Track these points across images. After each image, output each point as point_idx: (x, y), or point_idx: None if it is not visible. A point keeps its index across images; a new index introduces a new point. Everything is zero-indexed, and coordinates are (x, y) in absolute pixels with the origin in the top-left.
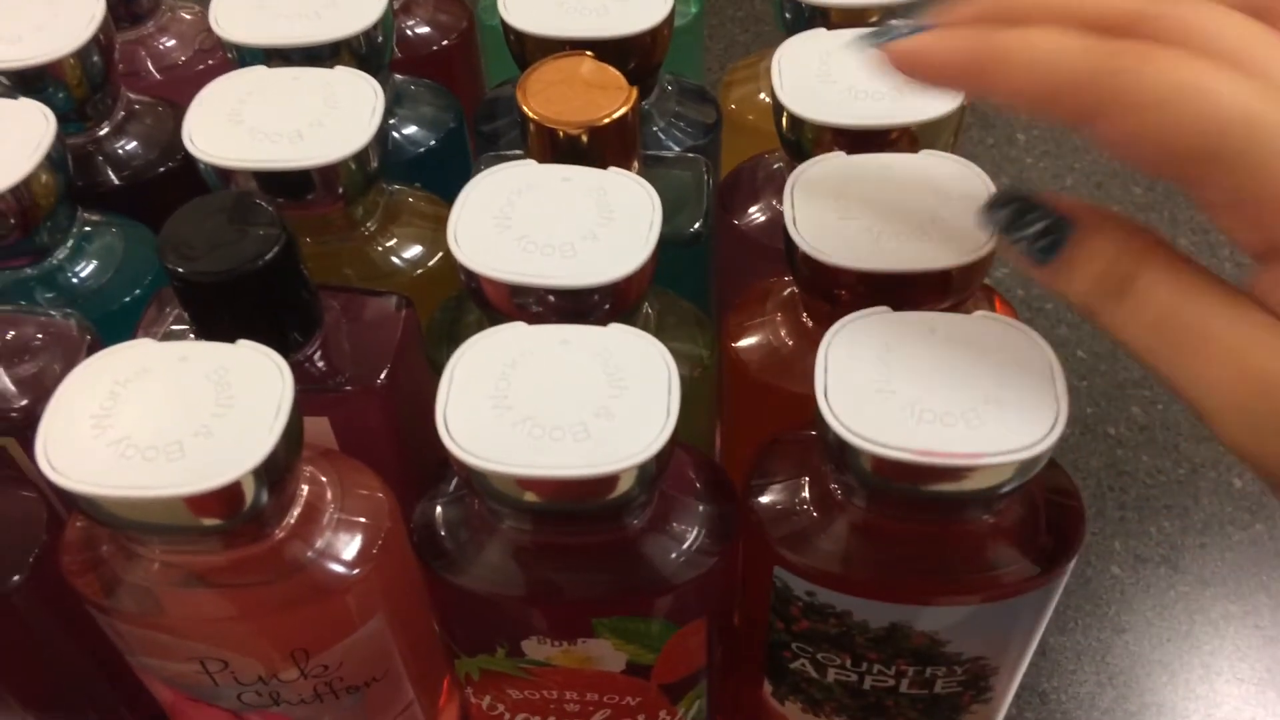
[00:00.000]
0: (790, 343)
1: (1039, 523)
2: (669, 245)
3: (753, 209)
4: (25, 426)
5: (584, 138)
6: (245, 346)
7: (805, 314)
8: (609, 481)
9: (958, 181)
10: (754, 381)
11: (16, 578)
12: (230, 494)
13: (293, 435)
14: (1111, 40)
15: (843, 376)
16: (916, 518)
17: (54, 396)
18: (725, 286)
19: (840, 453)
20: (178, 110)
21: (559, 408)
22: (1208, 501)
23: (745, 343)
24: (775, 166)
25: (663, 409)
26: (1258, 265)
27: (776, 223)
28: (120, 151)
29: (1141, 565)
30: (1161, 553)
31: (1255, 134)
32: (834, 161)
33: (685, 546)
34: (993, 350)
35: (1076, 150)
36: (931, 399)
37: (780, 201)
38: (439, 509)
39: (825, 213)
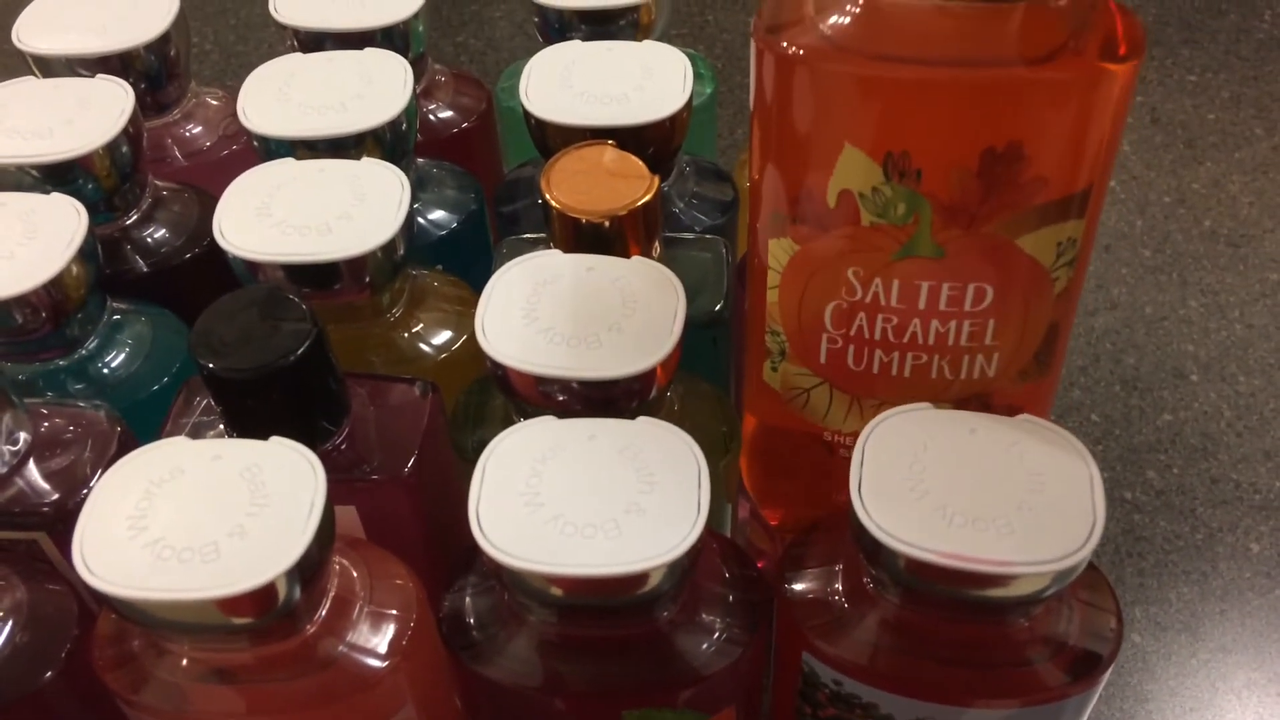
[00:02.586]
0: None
1: (1075, 629)
2: (690, 327)
3: None
4: (57, 520)
5: (607, 225)
6: (277, 444)
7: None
8: (641, 578)
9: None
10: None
11: (49, 674)
12: (264, 594)
13: (325, 532)
14: None
15: (878, 472)
16: (948, 617)
17: (90, 497)
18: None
19: (872, 549)
20: (203, 196)
21: (590, 504)
22: (1225, 567)
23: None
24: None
25: (693, 504)
26: None
27: None
28: (148, 239)
29: (1162, 633)
30: (1182, 620)
31: None
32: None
33: (715, 637)
34: (1031, 455)
35: None
36: (965, 502)
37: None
38: (467, 599)
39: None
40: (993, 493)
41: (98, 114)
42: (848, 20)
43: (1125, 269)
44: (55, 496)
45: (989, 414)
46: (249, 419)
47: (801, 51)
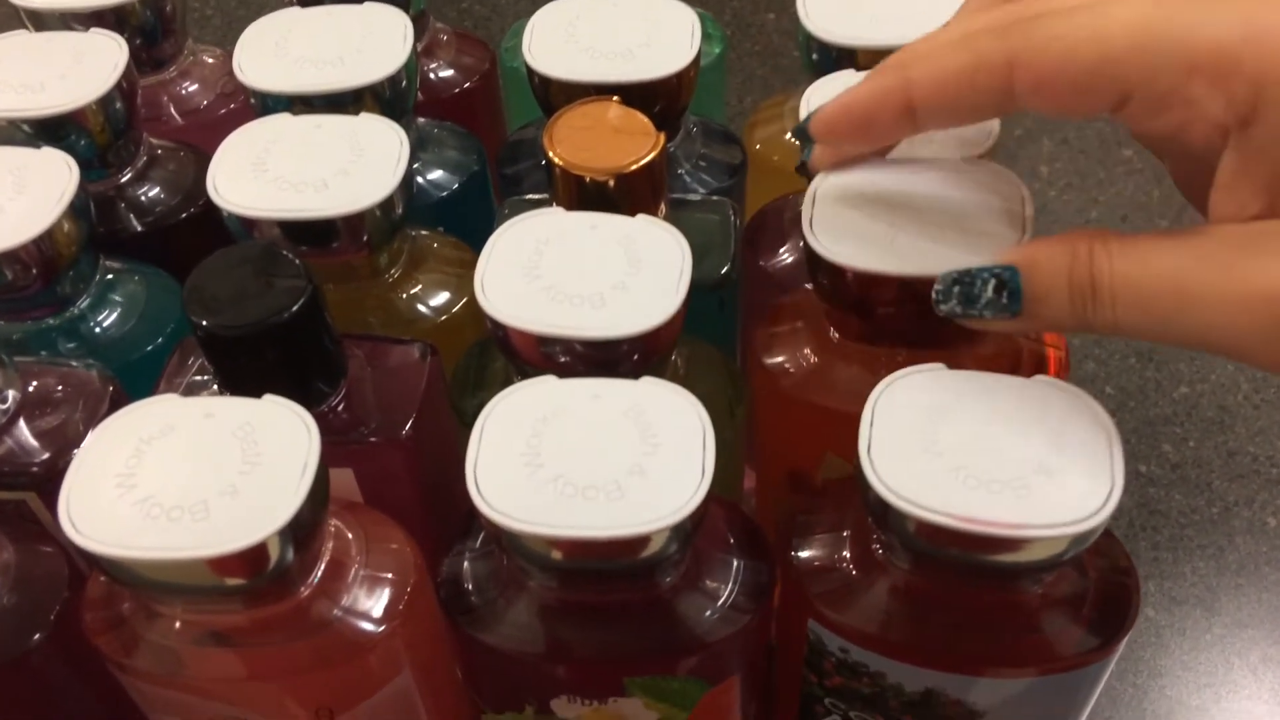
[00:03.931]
0: (817, 357)
1: (1090, 597)
2: (696, 290)
3: (779, 251)
4: (46, 480)
5: (611, 184)
6: (271, 402)
7: (831, 327)
8: (642, 541)
9: (989, 188)
10: (783, 395)
11: (38, 636)
12: (255, 555)
13: (319, 493)
14: (997, 9)
15: (889, 433)
16: (958, 584)
17: (78, 454)
18: (749, 326)
19: (881, 512)
20: (200, 155)
21: (591, 466)
22: (1242, 541)
23: (774, 358)
24: (800, 209)
25: (697, 466)
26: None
27: (804, 265)
28: (143, 198)
29: (1177, 607)
30: (1197, 594)
31: (1152, 27)
32: (860, 168)
33: (719, 604)
34: (1049, 416)
35: (1100, 184)
36: (980, 464)
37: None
38: (465, 564)
39: (847, 220)
40: (1008, 455)
41: (91, 68)
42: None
43: None
44: (45, 456)
45: (1006, 375)
46: (242, 378)
47: None
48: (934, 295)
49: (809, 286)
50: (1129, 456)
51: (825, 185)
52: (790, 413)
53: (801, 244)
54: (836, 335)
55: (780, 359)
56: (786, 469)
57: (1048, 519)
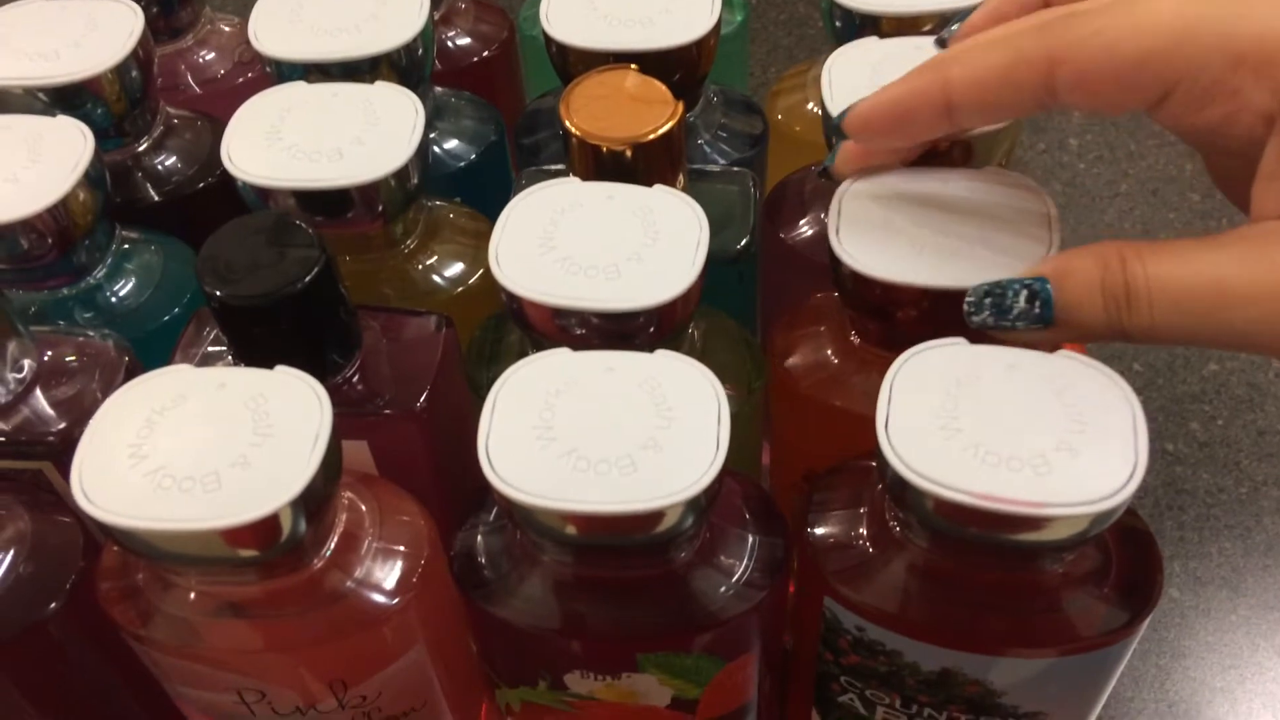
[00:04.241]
0: (837, 360)
1: (1112, 575)
2: (714, 262)
3: (800, 223)
4: (62, 450)
5: (628, 154)
6: (283, 373)
7: (853, 331)
8: (656, 517)
9: (1017, 199)
10: (802, 397)
11: (53, 605)
12: (267, 526)
13: (331, 464)
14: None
15: (907, 409)
16: (976, 563)
17: (90, 424)
18: (771, 303)
19: (898, 489)
20: (217, 124)
21: (605, 439)
22: (1270, 521)
23: (793, 359)
24: (823, 179)
25: (712, 440)
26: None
27: (824, 237)
28: (159, 167)
29: (1202, 588)
30: (1222, 575)
31: (1196, 21)
32: (886, 175)
33: (734, 580)
34: (1071, 393)
35: (1131, 156)
36: (999, 441)
37: (826, 216)
38: (479, 538)
39: (872, 226)
40: (1029, 432)
41: (106, 36)
42: None
43: (1173, 214)
44: (61, 425)
45: (1027, 350)
46: (256, 348)
47: None
48: (965, 308)
49: (834, 294)
50: (1155, 434)
51: (851, 190)
52: (809, 415)
53: (827, 250)
54: (857, 339)
55: (800, 361)
56: (804, 469)
57: (1069, 497)
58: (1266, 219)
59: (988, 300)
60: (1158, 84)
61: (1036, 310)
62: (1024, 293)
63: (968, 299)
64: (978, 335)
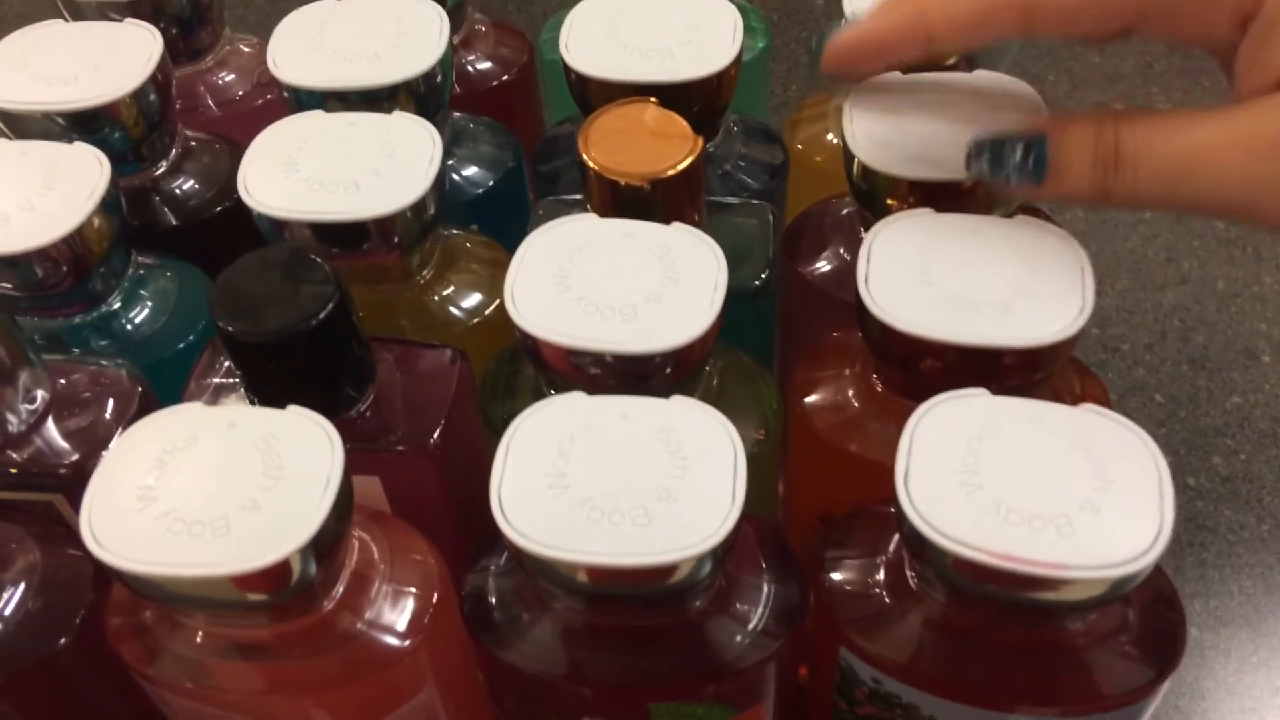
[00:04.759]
0: (857, 404)
1: (1134, 631)
2: (732, 298)
3: (820, 257)
4: (74, 483)
5: (647, 189)
6: (295, 413)
7: (875, 376)
8: (669, 569)
9: (1050, 251)
10: (819, 439)
11: (63, 640)
12: (277, 571)
13: (342, 506)
14: None
15: (927, 462)
16: (995, 619)
17: (100, 465)
18: (790, 336)
19: (917, 544)
20: (235, 147)
21: (619, 488)
22: None
23: (813, 400)
24: (844, 212)
25: (728, 492)
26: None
27: (844, 272)
28: (177, 191)
29: (1222, 628)
30: (1243, 615)
31: None
32: (917, 219)
33: (749, 628)
34: (1096, 449)
35: None
36: (1022, 498)
37: (848, 250)
38: (491, 580)
39: (903, 275)
40: (1053, 489)
41: (125, 60)
42: None
43: (1197, 241)
44: (74, 457)
45: (1052, 403)
46: (269, 383)
47: None
48: (964, 158)
49: (858, 333)
50: (1177, 468)
51: (882, 235)
52: (826, 458)
53: (855, 296)
54: (880, 385)
55: (819, 402)
56: (820, 509)
57: (1093, 560)
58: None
59: (986, 153)
60: (1130, 13)
61: (1030, 166)
62: (1020, 146)
63: (967, 149)
64: (1000, 385)
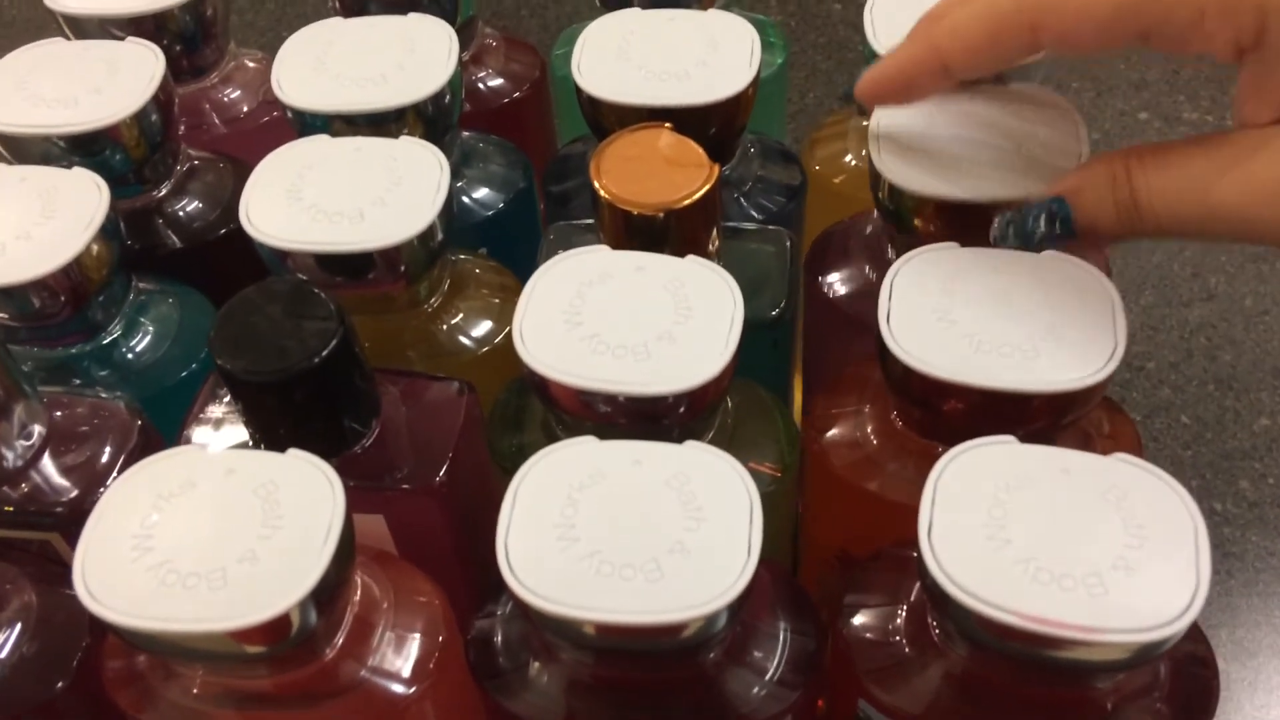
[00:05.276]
0: (876, 441)
1: (1164, 692)
2: (748, 328)
3: (845, 277)
4: (71, 521)
5: (660, 219)
6: (295, 457)
7: (896, 414)
8: (681, 626)
9: (1079, 288)
10: (836, 476)
11: (60, 684)
12: (276, 624)
13: (344, 554)
14: None
15: (952, 514)
16: (1021, 677)
17: (95, 511)
18: (812, 358)
19: (940, 599)
20: (239, 166)
21: (630, 542)
22: None
23: (830, 436)
24: (869, 230)
25: (743, 544)
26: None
27: (868, 293)
28: (180, 214)
29: (1249, 659)
30: (1271, 644)
31: None
32: (941, 253)
33: (766, 679)
34: (1129, 502)
35: None
36: (1051, 555)
37: (875, 269)
38: (497, 625)
39: (927, 316)
40: (1084, 546)
41: (126, 81)
42: None
43: (1224, 256)
44: (71, 495)
45: (1084, 452)
46: (270, 420)
47: None
48: (991, 238)
49: (879, 364)
50: (1204, 492)
51: (904, 271)
52: (843, 495)
53: (876, 338)
54: (900, 423)
55: (838, 438)
56: (837, 547)
57: (1125, 623)
58: (1246, 128)
59: (1010, 229)
60: (1134, 35)
61: (1058, 229)
62: (1043, 216)
63: (993, 231)
64: (1026, 429)
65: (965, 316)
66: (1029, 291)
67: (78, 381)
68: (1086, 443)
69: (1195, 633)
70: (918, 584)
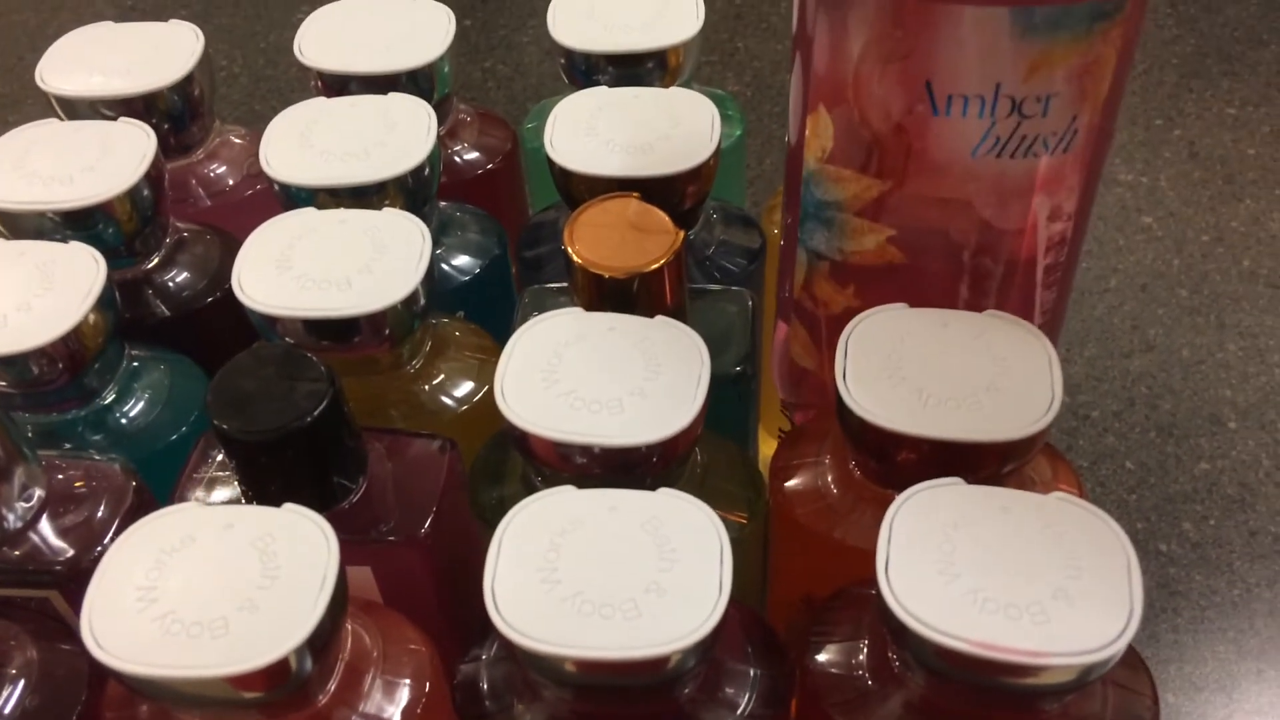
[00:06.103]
0: (836, 490)
1: (1109, 710)
2: (714, 383)
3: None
4: (69, 579)
5: (630, 282)
6: (290, 511)
7: (854, 464)
8: (660, 661)
9: (1019, 345)
10: (798, 524)
11: None
12: (274, 670)
13: (338, 603)
14: None
15: (906, 552)
16: (975, 703)
17: (100, 565)
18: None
19: (898, 630)
20: (226, 238)
21: (608, 583)
22: (1263, 624)
23: (792, 485)
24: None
25: (714, 583)
26: None
27: None
28: (169, 284)
29: (1196, 693)
30: (1216, 679)
31: None
32: (891, 314)
33: (737, 713)
34: (1066, 538)
35: (1119, 251)
36: (997, 587)
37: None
38: (482, 669)
39: (879, 371)
40: (1026, 577)
41: (119, 159)
42: None
43: (1161, 309)
44: (69, 554)
45: (1023, 492)
46: (263, 477)
47: None
48: None
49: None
50: (1148, 534)
51: (858, 332)
52: (806, 543)
53: (833, 391)
54: (858, 473)
55: (799, 487)
56: (803, 591)
57: (1066, 647)
58: None
59: None
60: None
61: None
62: None
63: None
64: (974, 475)
65: (914, 372)
66: (973, 347)
67: (70, 446)
68: (1030, 487)
69: (1133, 658)
70: (876, 623)
